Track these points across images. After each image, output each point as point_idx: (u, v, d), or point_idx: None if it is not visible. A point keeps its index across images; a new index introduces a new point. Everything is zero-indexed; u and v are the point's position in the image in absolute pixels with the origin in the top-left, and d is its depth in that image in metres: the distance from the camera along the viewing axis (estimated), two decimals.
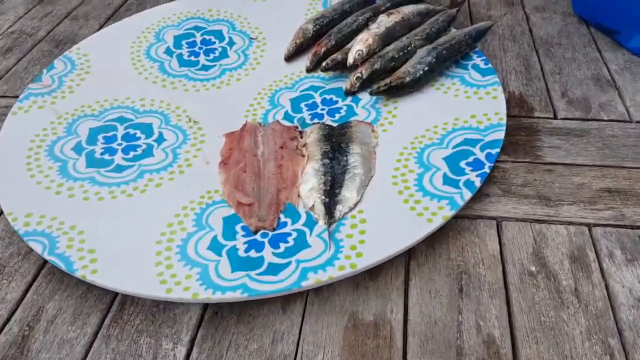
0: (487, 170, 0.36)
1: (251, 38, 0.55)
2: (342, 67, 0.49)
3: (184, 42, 0.55)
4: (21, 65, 0.56)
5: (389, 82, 0.45)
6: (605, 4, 0.51)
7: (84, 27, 0.62)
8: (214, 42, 0.55)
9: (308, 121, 0.45)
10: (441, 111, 0.43)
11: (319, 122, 0.44)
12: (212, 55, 0.53)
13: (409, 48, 0.47)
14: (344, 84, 0.48)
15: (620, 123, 0.43)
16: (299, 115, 0.46)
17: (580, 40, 0.53)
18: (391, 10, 0.50)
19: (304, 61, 0.51)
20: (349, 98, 0.47)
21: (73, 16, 0.64)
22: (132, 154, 0.42)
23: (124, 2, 0.66)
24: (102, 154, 0.42)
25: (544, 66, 0.50)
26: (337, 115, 0.45)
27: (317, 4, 0.58)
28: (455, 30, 0.51)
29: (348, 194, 0.36)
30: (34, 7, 0.67)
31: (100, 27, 0.61)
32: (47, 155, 0.42)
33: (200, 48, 0.54)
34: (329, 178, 0.37)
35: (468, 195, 0.35)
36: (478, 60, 0.47)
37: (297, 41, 0.52)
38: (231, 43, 0.55)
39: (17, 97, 0.50)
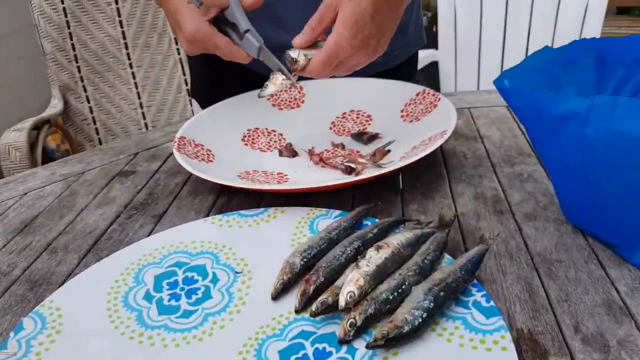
0: None
1: (236, 272, 0.52)
2: (333, 309, 0.45)
3: (164, 283, 0.52)
4: None
5: (386, 333, 0.41)
6: (600, 218, 0.50)
7: (62, 262, 0.59)
8: (197, 280, 0.52)
9: None
10: None
11: None
12: (194, 297, 0.50)
13: (403, 287, 0.44)
14: (337, 329, 0.44)
15: None
16: None
17: (581, 255, 0.50)
18: (380, 244, 0.48)
19: (293, 297, 0.48)
20: (344, 348, 0.43)
21: (52, 249, 0.62)
22: None
23: (106, 229, 0.65)
24: None
25: (548, 291, 0.47)
26: None
27: (304, 228, 0.57)
28: (448, 257, 0.49)
29: None
30: (14, 238, 0.65)
31: (80, 262, 0.59)
32: None
33: (182, 289, 0.51)
34: None
35: None
36: (479, 297, 0.44)
37: (285, 277, 0.49)
38: (215, 280, 0.52)
39: None
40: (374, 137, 0.76)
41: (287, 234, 0.56)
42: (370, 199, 0.64)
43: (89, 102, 1.60)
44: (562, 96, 0.44)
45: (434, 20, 3.02)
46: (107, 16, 1.52)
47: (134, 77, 1.61)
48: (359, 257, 0.48)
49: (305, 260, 0.50)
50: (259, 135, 0.80)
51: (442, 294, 0.43)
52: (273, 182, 0.69)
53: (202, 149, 0.73)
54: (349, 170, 0.68)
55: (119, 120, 1.64)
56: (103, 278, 0.53)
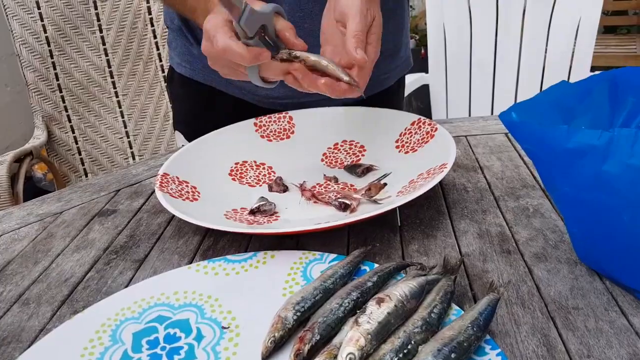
0: None
1: (223, 327, 0.48)
2: None
3: (144, 342, 0.47)
4: None
5: None
6: (620, 261, 0.46)
7: (34, 315, 0.54)
8: (179, 337, 0.47)
9: None
10: None
11: None
12: (176, 358, 0.45)
13: (409, 346, 0.40)
14: None
15: None
16: None
17: (599, 301, 0.46)
18: (381, 296, 0.43)
19: (286, 357, 0.43)
20: None
21: (24, 300, 0.57)
22: None
23: (83, 277, 0.60)
24: None
25: (567, 345, 0.42)
26: None
27: (297, 274, 0.52)
28: (456, 307, 0.45)
29: None
30: None
31: (53, 315, 0.54)
32: None
33: (162, 348, 0.46)
34: None
35: None
36: (493, 356, 0.40)
37: (276, 334, 0.44)
38: (199, 337, 0.47)
39: None
40: (368, 169, 0.73)
41: (278, 282, 0.52)
42: (367, 237, 0.59)
43: (73, 132, 1.55)
44: (577, 129, 0.41)
45: (421, 43, 3.02)
46: (91, 45, 1.48)
47: (119, 106, 1.57)
48: (358, 312, 0.43)
49: (298, 314, 0.45)
50: (246, 169, 0.76)
51: (453, 355, 0.38)
52: (262, 220, 0.64)
53: (187, 186, 0.68)
54: (343, 207, 0.64)
55: (105, 150, 1.59)
56: (77, 336, 0.48)
